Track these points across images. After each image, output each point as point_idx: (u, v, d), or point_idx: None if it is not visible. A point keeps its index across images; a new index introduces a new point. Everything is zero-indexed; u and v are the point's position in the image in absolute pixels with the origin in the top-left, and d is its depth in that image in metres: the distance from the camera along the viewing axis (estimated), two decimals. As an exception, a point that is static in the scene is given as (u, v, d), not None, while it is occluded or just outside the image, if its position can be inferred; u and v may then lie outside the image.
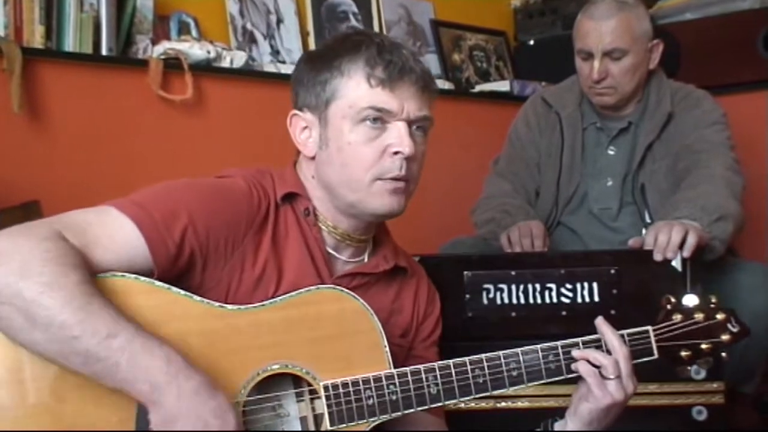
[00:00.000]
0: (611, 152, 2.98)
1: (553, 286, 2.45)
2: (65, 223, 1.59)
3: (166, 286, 1.62)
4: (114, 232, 1.62)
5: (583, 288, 2.45)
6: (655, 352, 1.87)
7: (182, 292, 1.63)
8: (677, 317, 1.88)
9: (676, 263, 2.38)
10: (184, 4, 3.34)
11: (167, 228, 1.65)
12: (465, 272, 2.47)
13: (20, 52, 2.76)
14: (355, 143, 1.77)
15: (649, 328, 1.87)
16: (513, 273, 2.47)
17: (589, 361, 1.79)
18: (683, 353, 1.87)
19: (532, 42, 4.31)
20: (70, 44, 2.92)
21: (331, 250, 1.87)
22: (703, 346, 1.87)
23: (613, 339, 1.81)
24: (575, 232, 2.98)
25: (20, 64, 2.74)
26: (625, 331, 1.84)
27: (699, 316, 1.88)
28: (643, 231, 2.69)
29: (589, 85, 2.91)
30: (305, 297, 1.71)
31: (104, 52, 3.00)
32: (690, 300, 1.91)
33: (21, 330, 1.48)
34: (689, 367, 1.98)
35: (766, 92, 3.74)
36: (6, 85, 2.74)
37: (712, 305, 1.91)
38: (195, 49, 3.16)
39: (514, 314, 2.45)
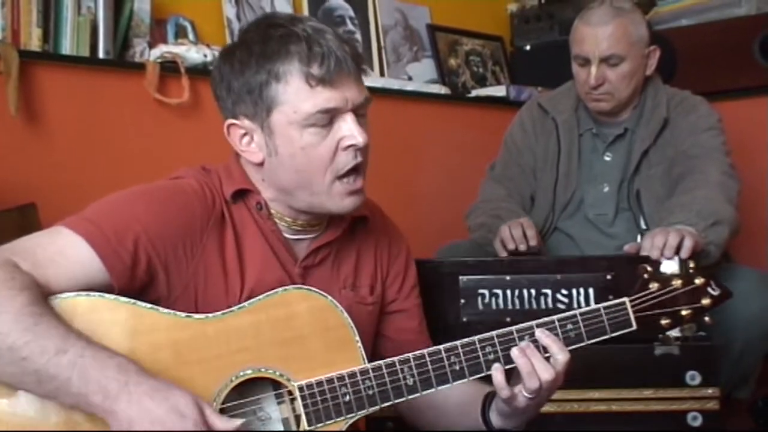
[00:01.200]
0: (607, 158, 2.99)
1: (548, 291, 2.46)
2: (15, 250, 1.59)
3: (132, 300, 1.62)
4: (66, 252, 1.61)
5: (578, 293, 2.45)
6: (634, 323, 1.82)
7: (148, 305, 1.63)
8: (654, 285, 1.84)
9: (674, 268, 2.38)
10: (182, 7, 3.34)
11: (119, 240, 1.63)
12: (460, 277, 2.48)
13: (17, 54, 2.76)
14: (308, 147, 1.73)
15: (626, 299, 1.82)
16: (508, 278, 2.47)
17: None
18: (663, 321, 1.83)
19: (528, 47, 4.32)
20: (67, 47, 2.92)
21: (289, 237, 1.85)
22: (684, 313, 1.83)
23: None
24: (571, 237, 2.98)
25: (17, 66, 2.74)
26: (600, 305, 1.81)
27: (677, 282, 1.84)
28: (639, 237, 2.69)
29: (586, 90, 2.91)
30: (272, 299, 1.70)
31: (101, 55, 3.00)
32: (668, 267, 1.88)
33: None
34: (670, 334, 1.94)
35: (766, 98, 3.74)
36: (3, 88, 2.73)
37: (691, 270, 1.87)
38: (192, 53, 3.16)
39: (509, 319, 2.45)
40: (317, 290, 1.74)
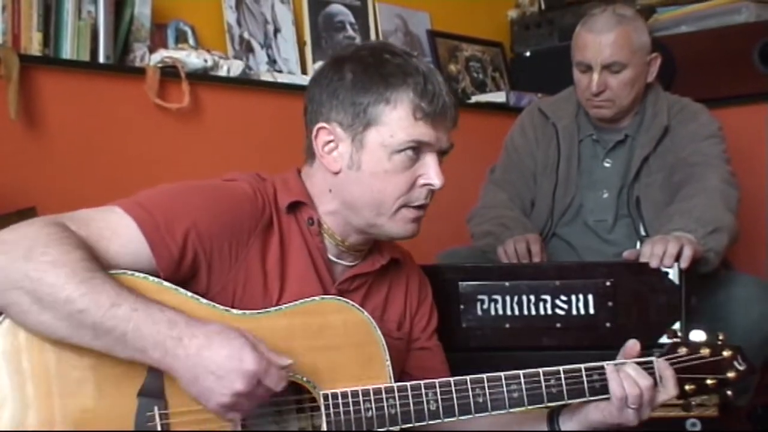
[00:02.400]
0: (607, 164, 2.99)
1: (548, 297, 2.45)
2: (69, 217, 1.61)
3: (174, 287, 1.63)
4: (117, 230, 1.63)
5: (578, 300, 2.45)
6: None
7: (189, 293, 1.64)
8: (683, 350, 1.86)
9: (673, 276, 2.38)
10: (182, 12, 3.34)
11: (169, 230, 1.65)
12: (460, 283, 2.48)
13: (17, 59, 2.76)
14: (391, 172, 1.78)
15: (654, 359, 1.84)
16: (507, 284, 2.47)
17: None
18: (687, 387, 1.85)
19: (528, 53, 4.32)
20: (67, 51, 2.92)
21: (332, 257, 1.88)
22: (708, 382, 1.85)
23: (637, 370, 1.80)
24: (570, 244, 2.98)
25: (17, 71, 2.74)
26: (630, 361, 1.83)
27: (705, 351, 1.86)
28: (638, 244, 2.69)
29: (587, 97, 2.91)
30: (309, 306, 1.71)
31: (101, 59, 3.00)
32: (697, 335, 1.89)
33: (30, 312, 1.49)
34: (692, 401, 1.95)
35: (765, 105, 3.74)
36: (3, 92, 2.74)
37: (719, 341, 1.88)
38: (192, 58, 3.16)
39: (508, 325, 2.45)
40: (354, 304, 1.76)
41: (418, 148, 1.78)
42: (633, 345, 1.85)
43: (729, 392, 1.88)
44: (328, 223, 1.86)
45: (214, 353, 1.51)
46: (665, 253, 2.38)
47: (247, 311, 1.68)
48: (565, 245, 2.99)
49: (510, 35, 4.45)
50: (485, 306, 2.47)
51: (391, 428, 1.69)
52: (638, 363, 1.81)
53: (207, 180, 1.81)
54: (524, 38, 4.37)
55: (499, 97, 4.08)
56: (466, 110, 4.05)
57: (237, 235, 1.74)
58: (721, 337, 1.90)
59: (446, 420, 1.73)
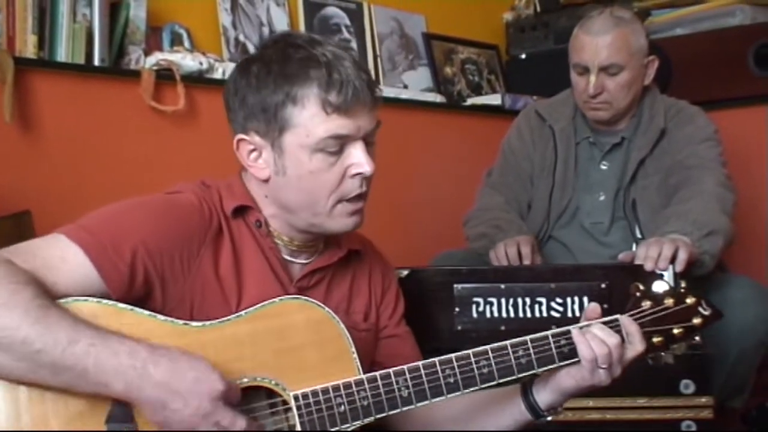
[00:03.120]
0: (604, 167, 2.99)
1: (543, 300, 2.46)
2: (14, 250, 1.59)
3: (129, 307, 1.62)
4: (64, 259, 1.61)
5: (573, 302, 2.45)
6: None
7: (146, 312, 1.63)
8: (646, 304, 1.84)
9: (668, 278, 2.38)
10: (177, 15, 3.34)
11: (117, 251, 1.63)
12: (455, 285, 2.48)
13: (12, 61, 2.75)
14: (316, 171, 1.75)
15: (618, 316, 1.82)
16: (503, 287, 2.48)
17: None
18: (655, 339, 1.82)
19: (523, 56, 4.32)
20: (62, 54, 2.92)
21: (287, 257, 1.87)
22: (675, 331, 1.83)
23: (603, 329, 1.77)
24: (566, 246, 2.98)
25: (12, 73, 2.73)
26: (594, 322, 1.80)
27: (669, 301, 1.84)
28: (634, 246, 2.70)
29: (584, 99, 2.92)
30: (269, 309, 1.70)
31: (96, 62, 2.99)
32: (659, 286, 1.88)
33: None
34: (662, 353, 1.94)
35: (760, 108, 3.74)
36: (-2, 95, 2.74)
37: (682, 290, 1.87)
38: (187, 61, 3.16)
39: (503, 328, 2.45)
40: (314, 301, 1.74)
41: (338, 142, 1.74)
42: (594, 307, 1.82)
43: (697, 338, 1.87)
44: (274, 225, 1.84)
45: (181, 377, 1.51)
46: (660, 256, 2.39)
47: (207, 322, 1.66)
48: (562, 247, 2.99)
49: (505, 38, 4.45)
50: (480, 308, 2.48)
51: (365, 420, 1.68)
52: (603, 323, 1.79)
53: (151, 195, 1.78)
54: (520, 41, 4.36)
55: (494, 99, 4.08)
56: (462, 113, 4.07)
57: (187, 248, 1.72)
58: (683, 285, 1.91)
59: (419, 405, 1.71)
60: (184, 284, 1.72)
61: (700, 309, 1.86)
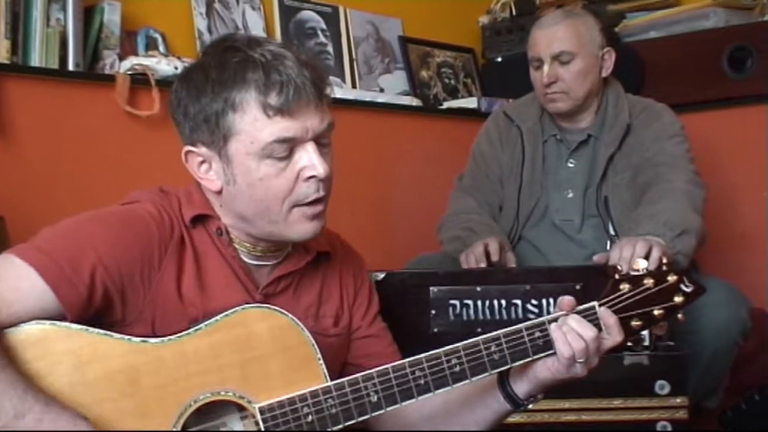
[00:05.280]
0: (571, 165, 3.01)
1: (518, 302, 2.47)
2: None
3: (84, 327, 1.59)
4: (18, 284, 1.57)
5: (548, 304, 2.46)
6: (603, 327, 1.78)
7: (101, 331, 1.60)
8: (625, 287, 1.79)
9: (643, 274, 2.39)
10: (152, 19, 3.33)
11: (74, 271, 1.59)
12: (431, 288, 2.48)
13: (-15, 67, 2.74)
14: (266, 177, 1.69)
15: (595, 303, 1.78)
16: (478, 289, 2.48)
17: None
18: (634, 323, 1.78)
19: (499, 59, 4.33)
20: (36, 59, 2.90)
21: (251, 262, 1.82)
22: (656, 312, 1.79)
23: (579, 322, 1.74)
24: (537, 247, 3.00)
25: (-15, 79, 2.73)
26: (569, 313, 1.76)
27: (649, 281, 1.79)
28: (608, 243, 2.71)
29: (543, 92, 2.97)
30: (231, 319, 1.66)
31: (71, 67, 2.98)
32: (639, 265, 1.83)
33: None
34: (642, 335, 1.91)
35: (733, 110, 3.77)
36: (-29, 100, 2.72)
37: (664, 268, 1.83)
38: (162, 65, 3.15)
39: (480, 330, 2.43)
40: (277, 308, 1.70)
41: (286, 146, 1.67)
42: (569, 300, 1.77)
43: (679, 316, 1.82)
44: (234, 234, 1.79)
45: None
46: (633, 257, 2.39)
47: (166, 338, 1.63)
48: (532, 248, 3.00)
49: (481, 41, 4.46)
50: (457, 311, 2.48)
51: (333, 428, 1.65)
52: (579, 311, 1.75)
53: (107, 208, 1.74)
54: (495, 44, 4.37)
55: (470, 103, 4.09)
56: (438, 116, 4.07)
57: (147, 261, 1.68)
58: (664, 261, 1.86)
59: (389, 409, 1.68)
60: (145, 298, 1.68)
61: (682, 286, 1.80)
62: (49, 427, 1.45)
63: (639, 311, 1.79)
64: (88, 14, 3.06)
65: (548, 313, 2.41)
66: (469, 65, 4.41)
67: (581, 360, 1.72)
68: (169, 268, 1.71)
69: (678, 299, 1.80)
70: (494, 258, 2.72)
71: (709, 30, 3.83)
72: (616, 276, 1.82)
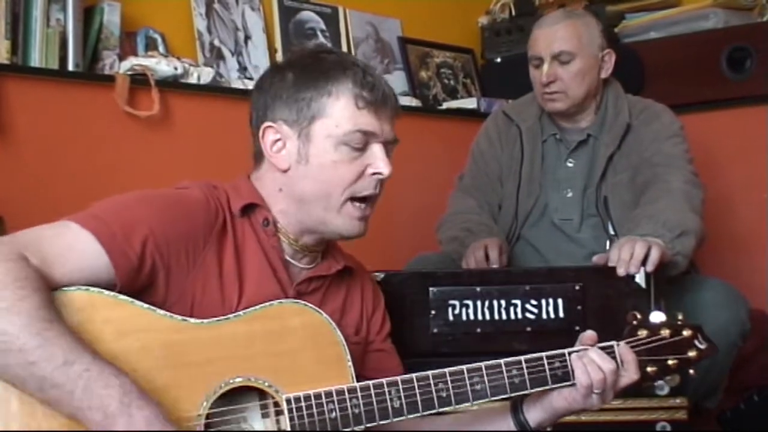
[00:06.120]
0: (570, 164, 3.02)
1: (518, 302, 2.47)
2: (24, 242, 1.58)
3: (130, 299, 1.62)
4: (74, 246, 1.61)
5: (548, 304, 2.46)
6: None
7: (146, 305, 1.63)
8: (643, 333, 1.88)
9: (640, 279, 2.40)
10: (152, 20, 3.33)
11: (127, 239, 1.64)
12: (430, 288, 2.48)
13: (-15, 67, 2.74)
14: (338, 162, 1.81)
15: (614, 343, 1.86)
16: (478, 289, 2.48)
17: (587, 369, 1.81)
18: (649, 369, 1.86)
19: (499, 60, 4.34)
20: (36, 59, 2.90)
21: (288, 258, 1.88)
22: (670, 362, 1.87)
23: (600, 355, 1.83)
24: (535, 247, 3.00)
25: (-15, 79, 2.73)
26: (589, 347, 1.85)
27: (665, 332, 1.88)
28: (607, 243, 2.71)
29: (542, 92, 2.97)
30: (268, 311, 1.72)
31: (71, 67, 2.98)
32: (657, 317, 1.91)
33: None
34: (655, 383, 1.97)
35: (733, 111, 3.77)
36: (-30, 101, 2.72)
37: (679, 322, 1.90)
38: (162, 65, 3.15)
39: (479, 330, 2.46)
40: (313, 306, 1.76)
41: (363, 138, 1.81)
42: (591, 335, 1.87)
43: (691, 371, 1.89)
44: (282, 222, 1.87)
45: (155, 428, 1.50)
46: (632, 258, 2.40)
47: (206, 320, 1.67)
48: (531, 248, 3.00)
49: (481, 42, 4.46)
50: (456, 311, 2.48)
51: (355, 428, 1.69)
52: (600, 347, 1.84)
53: (159, 189, 1.81)
54: (495, 45, 4.38)
55: (470, 103, 4.09)
56: (438, 117, 4.07)
57: (193, 241, 1.73)
58: (680, 317, 1.92)
59: (410, 416, 1.73)
60: (187, 278, 1.73)
61: (696, 342, 1.89)
62: (95, 376, 1.48)
63: (654, 358, 1.87)
64: (88, 15, 3.06)
65: (547, 313, 2.44)
66: (469, 66, 4.41)
67: (598, 391, 1.80)
68: (211, 252, 1.77)
69: (691, 354, 1.88)
70: (494, 266, 2.72)
71: (708, 31, 3.83)
72: (635, 322, 1.89)
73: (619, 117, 2.96)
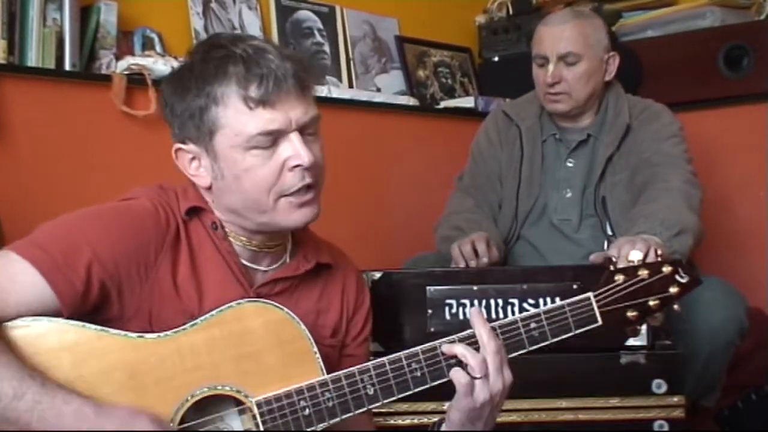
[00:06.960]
0: (570, 164, 3.01)
1: (515, 301, 2.47)
2: None
3: (80, 323, 1.60)
4: (15, 279, 1.58)
5: (545, 303, 2.46)
6: (599, 318, 1.80)
7: (98, 327, 1.61)
8: (620, 278, 1.81)
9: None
10: (148, 19, 3.32)
11: (70, 266, 1.60)
12: (427, 287, 2.48)
13: (-18, 67, 2.74)
14: (251, 168, 1.70)
15: (590, 294, 1.80)
16: (475, 288, 2.48)
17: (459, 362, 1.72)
18: (630, 314, 1.80)
19: (496, 58, 4.33)
20: (32, 59, 2.89)
21: (246, 262, 1.82)
22: (651, 303, 1.80)
23: (483, 333, 1.73)
24: (535, 246, 3.00)
25: (-18, 79, 2.72)
26: (565, 302, 1.79)
27: (644, 272, 1.80)
28: (605, 243, 2.71)
29: (545, 91, 2.96)
30: (227, 314, 1.68)
31: (67, 67, 2.97)
32: (634, 256, 1.85)
33: None
34: (638, 327, 1.91)
35: (730, 109, 3.77)
36: (-33, 101, 2.72)
37: (657, 259, 1.84)
38: (159, 65, 3.14)
39: (477, 329, 2.46)
40: (272, 303, 1.72)
41: (270, 137, 1.69)
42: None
43: (675, 307, 1.82)
44: (228, 228, 1.80)
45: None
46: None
47: (162, 333, 1.64)
48: (530, 248, 3.00)
49: (478, 40, 4.45)
50: (453, 310, 2.48)
51: (331, 421, 1.66)
52: (575, 303, 1.79)
53: (105, 204, 1.75)
54: (492, 43, 4.37)
55: (467, 102, 4.09)
56: (435, 116, 4.07)
57: (143, 257, 1.69)
58: (659, 253, 1.87)
59: (386, 401, 1.69)
60: (141, 293, 1.69)
61: (677, 277, 1.81)
62: (47, 407, 1.47)
63: (634, 302, 1.80)
64: (85, 14, 3.06)
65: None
66: (466, 65, 4.40)
67: (477, 376, 1.71)
68: (165, 262, 1.72)
69: (673, 290, 1.81)
70: (483, 259, 2.71)
71: (705, 29, 3.83)
72: (611, 267, 1.83)
73: (620, 117, 2.96)
